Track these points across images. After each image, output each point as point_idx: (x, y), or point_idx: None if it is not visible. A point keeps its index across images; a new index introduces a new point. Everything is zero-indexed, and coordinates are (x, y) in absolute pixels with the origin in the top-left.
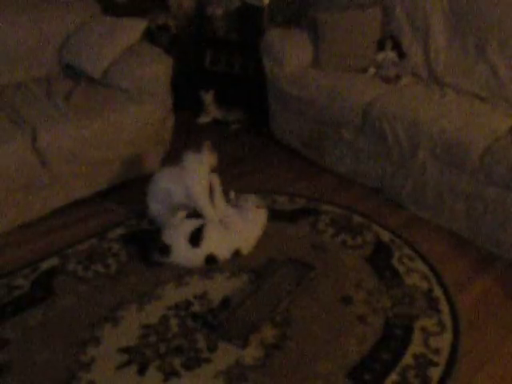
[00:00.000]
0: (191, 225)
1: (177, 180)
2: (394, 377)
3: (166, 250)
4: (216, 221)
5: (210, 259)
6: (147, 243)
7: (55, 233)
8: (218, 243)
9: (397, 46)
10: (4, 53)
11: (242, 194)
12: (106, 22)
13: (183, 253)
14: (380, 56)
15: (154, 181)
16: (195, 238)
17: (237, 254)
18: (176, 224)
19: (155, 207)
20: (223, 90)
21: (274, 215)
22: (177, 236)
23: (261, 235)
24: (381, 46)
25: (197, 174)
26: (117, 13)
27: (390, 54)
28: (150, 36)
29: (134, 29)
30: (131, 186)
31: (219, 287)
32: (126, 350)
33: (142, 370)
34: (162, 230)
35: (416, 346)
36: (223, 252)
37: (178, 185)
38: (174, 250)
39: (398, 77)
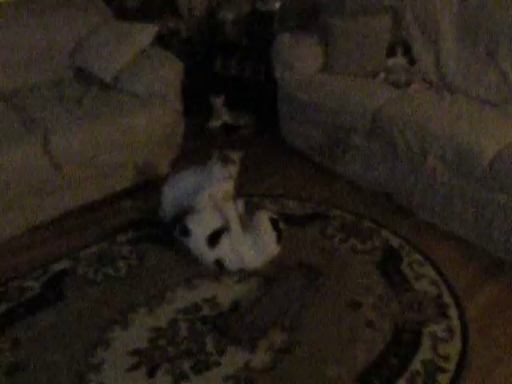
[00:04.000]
0: (215, 224)
1: (199, 183)
2: (402, 382)
3: (186, 232)
4: (239, 231)
5: (219, 264)
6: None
7: (66, 235)
8: (229, 254)
9: (407, 52)
10: (17, 56)
11: (257, 210)
12: (117, 26)
13: (199, 245)
14: (390, 61)
15: (172, 181)
16: (212, 240)
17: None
18: (203, 213)
19: (169, 208)
20: (234, 95)
21: (284, 220)
22: (199, 228)
23: (272, 256)
24: (391, 52)
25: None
26: (128, 17)
27: (401, 60)
28: (161, 40)
29: (145, 33)
30: (142, 190)
31: (228, 291)
32: (135, 353)
33: (151, 373)
34: (188, 214)
35: (425, 352)
36: (232, 264)
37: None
38: (192, 237)
39: (408, 82)
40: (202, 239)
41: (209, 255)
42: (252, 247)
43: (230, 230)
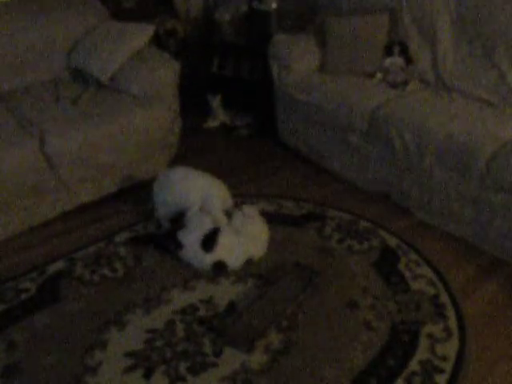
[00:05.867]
0: (206, 228)
1: (195, 183)
2: (400, 383)
3: (178, 246)
4: (227, 226)
5: (219, 266)
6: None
7: (62, 236)
8: (231, 251)
9: (404, 52)
10: (13, 57)
11: (243, 205)
12: (114, 26)
13: (194, 254)
14: (387, 61)
15: (162, 182)
16: (208, 243)
17: (248, 262)
18: (192, 224)
19: (163, 207)
20: (231, 95)
21: (281, 220)
22: (190, 236)
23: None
24: (388, 52)
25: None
26: (125, 18)
27: (398, 60)
28: (157, 41)
29: (142, 33)
30: (138, 190)
31: (225, 292)
32: (132, 355)
33: (147, 375)
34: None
35: (422, 353)
36: (235, 261)
37: (196, 187)
38: (186, 248)
39: (405, 82)
40: (195, 247)
41: (206, 259)
42: (253, 237)
43: (228, 227)
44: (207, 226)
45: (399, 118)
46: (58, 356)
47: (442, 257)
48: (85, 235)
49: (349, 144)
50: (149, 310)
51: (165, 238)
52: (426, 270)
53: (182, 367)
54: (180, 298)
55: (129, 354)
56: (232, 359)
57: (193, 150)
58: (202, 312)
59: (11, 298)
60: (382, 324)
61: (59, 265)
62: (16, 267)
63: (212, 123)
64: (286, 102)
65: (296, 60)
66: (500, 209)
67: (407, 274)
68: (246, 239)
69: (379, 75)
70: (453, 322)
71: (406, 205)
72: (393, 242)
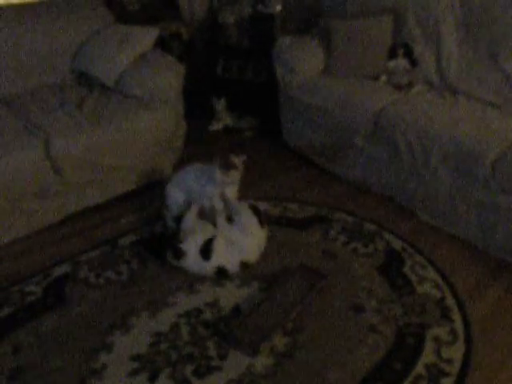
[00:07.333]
0: (205, 235)
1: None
2: None
3: (180, 254)
4: (225, 232)
5: (221, 272)
6: (163, 244)
7: (67, 240)
8: (226, 257)
9: (409, 54)
10: (18, 61)
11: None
12: (118, 30)
13: (195, 262)
14: (392, 63)
15: (176, 179)
16: (205, 251)
17: (245, 266)
18: (192, 230)
19: (174, 206)
20: (235, 98)
21: (285, 223)
22: (191, 244)
23: (266, 243)
24: (393, 54)
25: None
26: (129, 21)
27: (402, 62)
28: (162, 44)
29: (146, 37)
30: (143, 193)
31: (230, 295)
32: (137, 358)
33: (152, 378)
34: (179, 233)
35: (428, 356)
36: (232, 265)
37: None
38: (188, 256)
39: (409, 84)
40: (196, 255)
41: (208, 267)
42: (245, 239)
43: (220, 233)
44: (205, 232)
45: (404, 120)
46: (63, 359)
47: (447, 259)
48: (90, 238)
49: (353, 146)
50: (154, 313)
51: (163, 245)
52: (431, 273)
53: (187, 370)
54: (185, 301)
55: (134, 357)
56: (237, 362)
57: (198, 152)
58: (206, 315)
59: (16, 301)
60: (387, 327)
61: (64, 268)
62: (21, 270)
63: (216, 126)
64: (290, 105)
65: (300, 62)
66: (505, 211)
67: (412, 277)
68: (236, 244)
69: (384, 77)
70: (459, 325)
71: (410, 207)
72: (398, 244)
